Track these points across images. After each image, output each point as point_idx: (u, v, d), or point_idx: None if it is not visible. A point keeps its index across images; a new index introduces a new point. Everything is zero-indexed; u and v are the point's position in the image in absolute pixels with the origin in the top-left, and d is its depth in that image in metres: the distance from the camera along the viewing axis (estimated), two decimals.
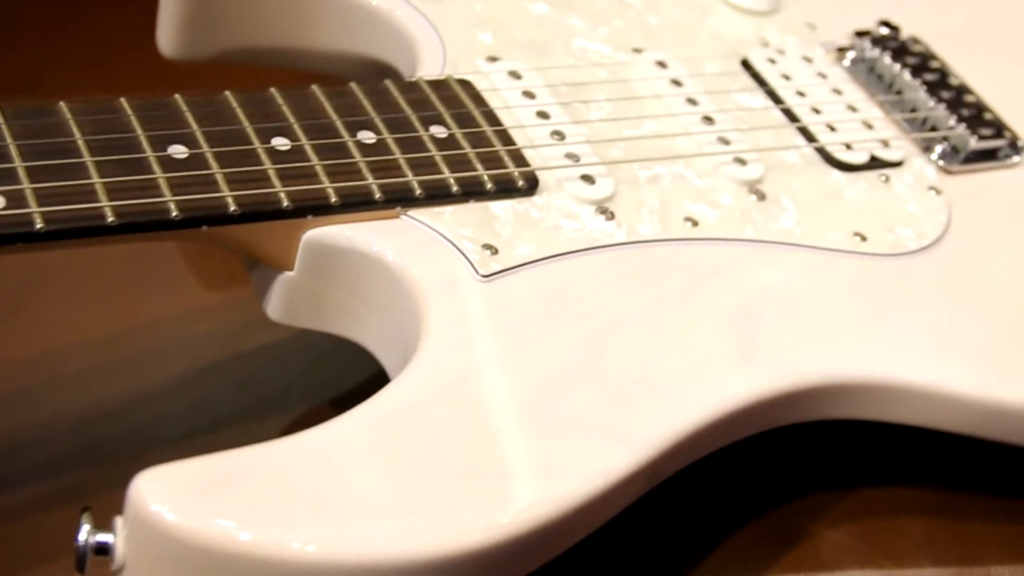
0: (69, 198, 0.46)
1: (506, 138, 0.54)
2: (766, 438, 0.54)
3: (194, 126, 0.50)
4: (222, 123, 0.50)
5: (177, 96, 0.51)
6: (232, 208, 0.48)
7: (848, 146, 0.62)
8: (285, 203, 0.49)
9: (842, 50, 0.68)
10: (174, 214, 0.47)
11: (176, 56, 0.61)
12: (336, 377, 0.60)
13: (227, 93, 0.52)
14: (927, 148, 0.64)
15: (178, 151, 0.49)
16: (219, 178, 0.48)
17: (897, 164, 0.62)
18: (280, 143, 0.50)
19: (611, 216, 0.54)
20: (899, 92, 0.66)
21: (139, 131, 0.49)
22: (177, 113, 0.50)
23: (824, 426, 0.55)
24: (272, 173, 0.49)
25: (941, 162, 0.64)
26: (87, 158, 0.47)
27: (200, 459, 0.42)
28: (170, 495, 0.41)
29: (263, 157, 0.50)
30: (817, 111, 0.63)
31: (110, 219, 0.46)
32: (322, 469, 0.43)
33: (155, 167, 0.48)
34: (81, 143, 0.48)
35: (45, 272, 0.60)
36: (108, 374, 0.57)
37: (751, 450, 0.55)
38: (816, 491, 0.59)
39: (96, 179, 0.46)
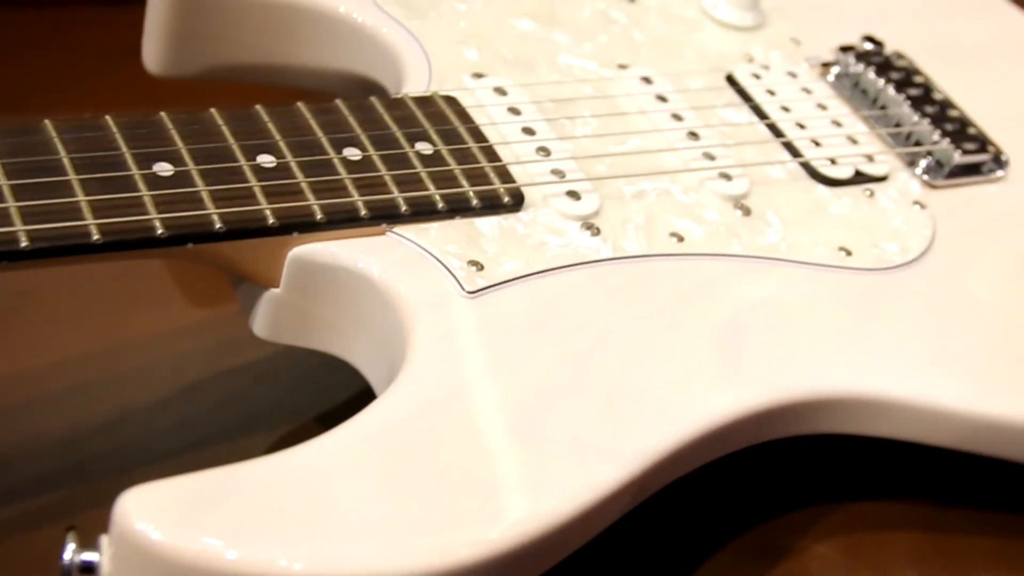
0: (54, 216, 0.46)
1: (492, 154, 0.55)
2: (752, 453, 0.54)
3: (179, 143, 0.50)
4: (207, 140, 0.50)
5: (163, 114, 0.51)
6: (218, 225, 0.48)
7: (833, 161, 0.62)
8: (271, 220, 0.49)
9: (826, 65, 0.69)
10: (159, 232, 0.47)
11: (162, 73, 0.61)
12: (323, 394, 0.60)
13: (213, 110, 0.52)
14: (912, 163, 0.64)
15: (163, 169, 0.49)
16: (204, 195, 0.48)
17: (882, 179, 0.63)
18: (266, 160, 0.50)
19: (597, 232, 0.54)
20: (883, 107, 0.67)
21: (124, 149, 0.49)
22: (162, 130, 0.50)
23: (810, 440, 0.55)
24: (258, 190, 0.49)
25: (926, 177, 0.64)
26: (72, 176, 0.47)
27: (186, 477, 0.42)
28: (156, 513, 0.41)
29: (249, 174, 0.50)
30: (802, 126, 0.64)
31: (95, 237, 0.46)
32: (309, 486, 0.43)
33: (140, 185, 0.48)
34: (66, 161, 0.47)
35: (30, 289, 0.60)
36: (94, 391, 0.57)
37: (737, 465, 0.55)
38: (802, 506, 0.59)
39: (81, 197, 0.46)
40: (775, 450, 0.55)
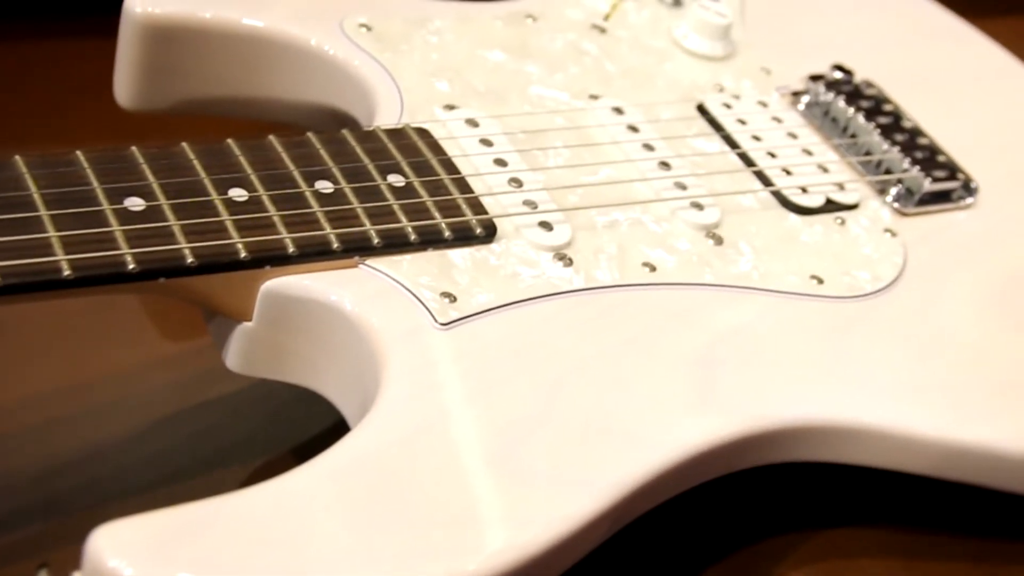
0: (25, 252, 0.45)
1: (464, 186, 0.55)
2: (731, 479, 0.54)
3: (151, 178, 0.50)
4: (179, 175, 0.50)
5: (134, 148, 0.51)
6: (189, 260, 0.48)
7: (804, 190, 0.62)
8: (242, 254, 0.49)
9: (797, 94, 0.69)
10: (131, 267, 0.47)
11: (134, 107, 0.61)
12: (297, 427, 0.60)
13: (184, 144, 0.52)
14: (882, 191, 0.65)
15: (135, 203, 0.48)
16: (176, 230, 0.48)
17: (853, 207, 0.63)
18: (237, 194, 0.50)
19: (569, 262, 0.54)
20: (853, 135, 0.67)
21: (95, 184, 0.49)
22: (134, 165, 0.50)
23: (789, 466, 0.55)
24: (229, 224, 0.49)
25: (896, 204, 0.64)
26: (43, 212, 0.47)
27: (158, 513, 0.42)
28: (128, 550, 0.41)
29: (220, 208, 0.50)
30: (773, 155, 0.64)
31: (66, 273, 0.45)
32: (284, 520, 0.43)
33: (112, 220, 0.47)
34: (37, 197, 0.47)
35: (1, 324, 0.60)
36: (66, 427, 0.57)
37: (716, 491, 0.55)
38: (781, 532, 0.60)
39: (52, 233, 0.46)
40: (754, 476, 0.55)
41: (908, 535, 0.61)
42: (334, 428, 0.51)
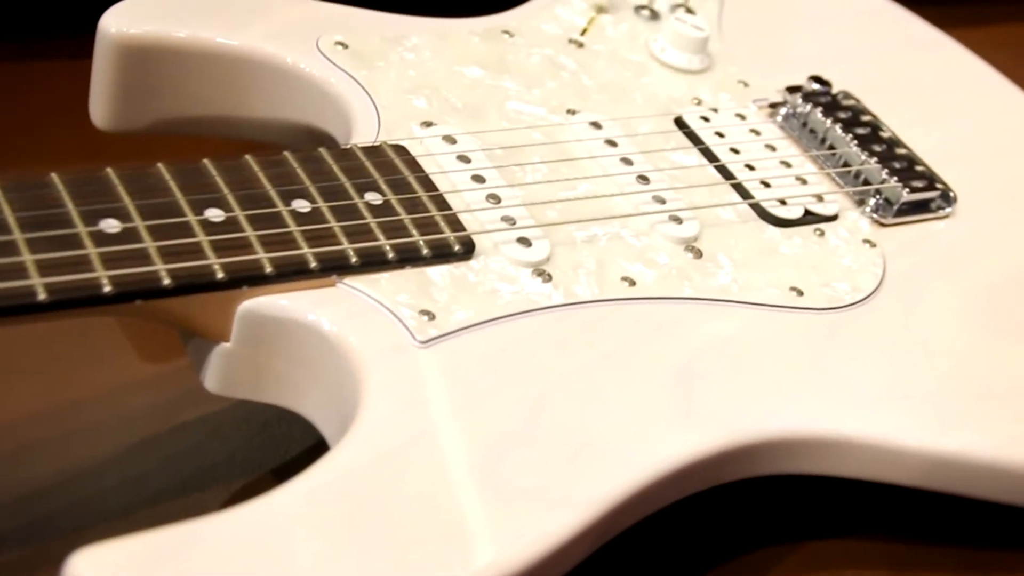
0: None
1: (441, 203, 0.55)
2: (715, 491, 0.54)
3: (126, 200, 0.49)
4: (155, 196, 0.50)
5: (109, 169, 0.50)
6: (166, 281, 0.47)
7: (782, 202, 0.62)
8: (219, 275, 0.49)
9: (774, 106, 0.69)
10: (107, 289, 0.46)
11: (109, 128, 0.61)
12: (278, 447, 0.59)
13: (160, 165, 0.51)
14: (861, 201, 0.65)
15: (110, 225, 0.48)
16: (152, 251, 0.48)
17: (831, 218, 0.63)
18: (214, 214, 0.50)
19: (548, 278, 0.54)
20: (832, 147, 0.67)
21: (70, 206, 0.48)
22: (109, 187, 0.50)
23: (773, 478, 0.55)
24: (206, 245, 0.49)
25: (875, 215, 0.64)
26: (17, 235, 0.47)
27: (137, 536, 0.42)
28: (108, 573, 0.40)
29: (197, 229, 0.49)
30: (751, 168, 0.64)
31: (41, 296, 0.45)
32: (265, 541, 0.43)
33: (87, 242, 0.47)
34: (11, 220, 0.47)
35: None
36: (45, 450, 0.57)
37: (700, 504, 0.55)
38: (764, 545, 0.59)
39: (27, 256, 0.46)
40: (739, 488, 0.55)
41: (893, 545, 0.61)
42: (315, 448, 0.51)
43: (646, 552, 0.57)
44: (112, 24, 0.59)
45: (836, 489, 0.58)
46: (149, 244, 0.48)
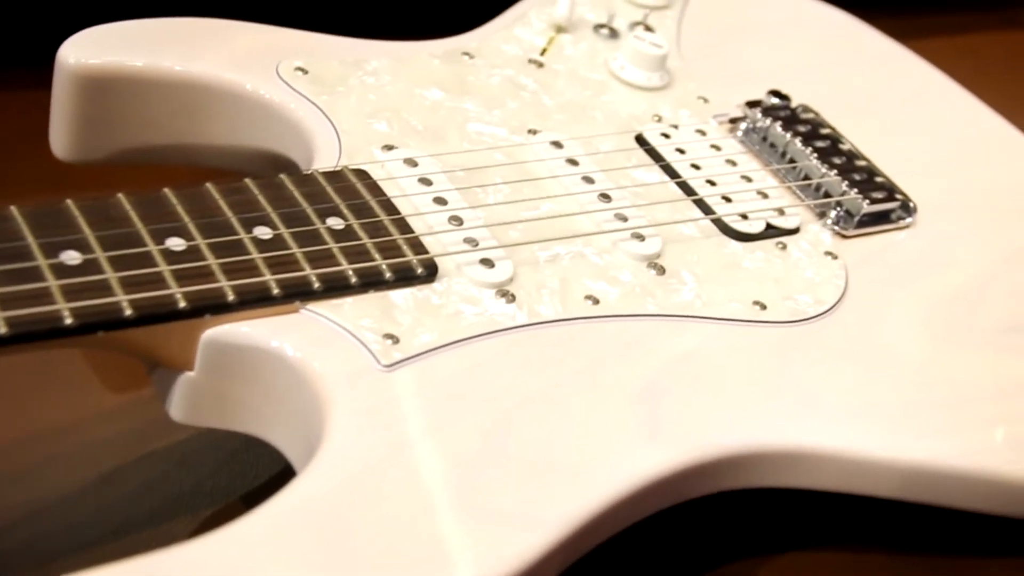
0: None
1: (404, 226, 0.55)
2: (692, 503, 0.54)
3: (87, 231, 0.49)
4: (115, 226, 0.50)
5: (69, 201, 0.50)
6: (128, 312, 0.47)
7: (744, 216, 0.63)
8: (182, 304, 0.48)
9: (734, 121, 0.70)
10: (68, 322, 0.46)
11: (70, 159, 0.61)
12: (246, 474, 0.59)
13: (120, 195, 0.51)
14: (822, 214, 0.65)
15: (71, 257, 0.48)
16: (113, 282, 0.48)
17: (793, 231, 0.63)
18: (175, 243, 0.50)
19: (512, 299, 0.54)
20: (792, 160, 0.68)
21: (30, 239, 0.48)
22: (69, 218, 0.50)
23: (744, 491, 0.55)
24: (168, 274, 0.49)
25: (836, 227, 0.65)
26: None
27: (108, 567, 0.42)
28: None
29: (158, 259, 0.49)
30: (712, 183, 0.64)
31: (2, 331, 0.45)
32: (234, 569, 0.43)
33: (48, 275, 0.47)
34: None
35: None
36: (10, 483, 0.56)
37: (676, 516, 0.55)
38: (739, 558, 0.60)
39: None
40: (712, 501, 0.55)
41: (867, 555, 0.61)
42: (283, 473, 0.51)
43: (619, 567, 0.57)
44: (70, 55, 0.59)
45: (810, 500, 0.58)
46: (110, 275, 0.48)
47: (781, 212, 0.64)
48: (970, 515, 0.59)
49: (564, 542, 0.48)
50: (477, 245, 0.56)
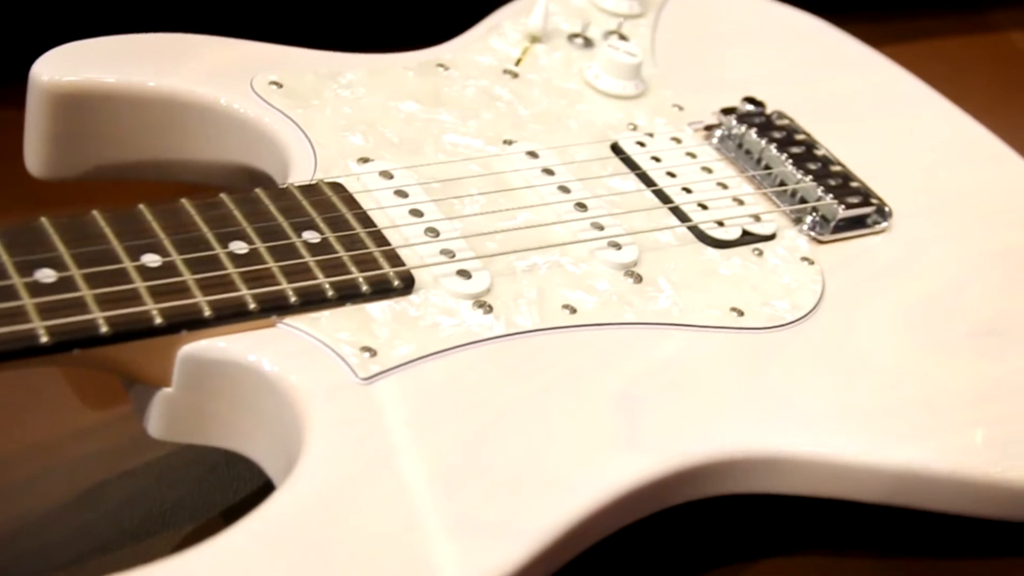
0: None
1: (380, 239, 0.55)
2: (667, 511, 0.54)
3: (62, 249, 0.49)
4: (90, 243, 0.50)
5: (44, 219, 0.50)
6: (103, 329, 0.47)
7: (720, 223, 0.63)
8: (158, 320, 0.48)
9: (709, 128, 0.70)
10: (44, 340, 0.46)
11: (45, 177, 0.61)
12: (226, 489, 0.59)
13: (95, 212, 0.51)
14: (798, 220, 0.65)
15: (46, 275, 0.48)
16: (89, 300, 0.48)
17: (769, 237, 0.64)
18: (151, 260, 0.50)
19: (489, 309, 0.55)
20: (767, 166, 0.68)
21: (5, 258, 0.48)
22: (44, 236, 0.50)
23: (725, 497, 0.55)
24: (143, 291, 0.49)
25: (812, 232, 0.65)
26: None
27: None
28: None
29: (133, 275, 0.49)
30: (688, 190, 0.64)
31: None
32: None
33: (22, 293, 0.47)
34: None
35: None
36: None
37: (652, 525, 0.55)
38: (725, 563, 0.60)
39: None
40: (700, 505, 0.55)
41: (853, 559, 0.61)
42: (265, 488, 0.51)
43: (606, 571, 0.57)
44: (44, 72, 0.58)
45: (797, 505, 0.58)
46: (86, 292, 0.48)
47: (757, 218, 0.64)
48: (954, 518, 0.59)
49: (545, 552, 0.48)
50: (454, 256, 0.56)
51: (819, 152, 0.69)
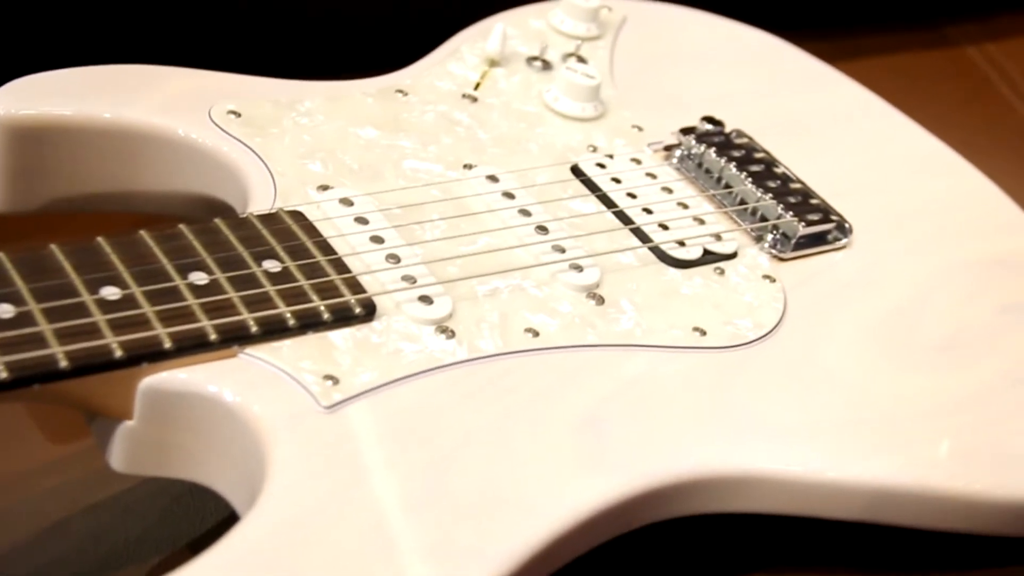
0: None
1: (341, 266, 0.55)
2: (647, 530, 0.54)
3: (19, 283, 0.49)
4: (49, 277, 0.50)
5: (1, 254, 0.50)
6: (63, 364, 0.47)
7: (681, 243, 0.63)
8: (118, 353, 0.48)
9: (669, 149, 0.70)
10: (3, 376, 0.46)
11: (2, 211, 0.60)
12: (192, 520, 0.59)
13: (53, 246, 0.51)
14: (759, 238, 0.66)
15: (3, 311, 0.48)
16: (47, 334, 0.47)
17: (731, 256, 0.64)
18: (110, 292, 0.50)
19: (451, 335, 0.54)
20: (727, 185, 0.68)
21: None
22: (1, 272, 0.49)
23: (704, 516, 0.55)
24: (103, 324, 0.49)
25: (773, 250, 0.65)
26: None
27: None
28: None
29: (93, 309, 0.49)
30: (649, 211, 0.65)
31: None
32: None
33: None
34: None
35: None
36: None
37: (633, 544, 0.55)
38: None
39: None
40: (684, 521, 0.55)
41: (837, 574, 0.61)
42: (230, 518, 0.51)
43: None
44: None
45: (781, 521, 0.58)
46: (44, 327, 0.48)
47: (718, 237, 0.64)
48: (936, 535, 0.59)
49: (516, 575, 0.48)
50: (415, 282, 0.56)
51: (778, 170, 0.69)
